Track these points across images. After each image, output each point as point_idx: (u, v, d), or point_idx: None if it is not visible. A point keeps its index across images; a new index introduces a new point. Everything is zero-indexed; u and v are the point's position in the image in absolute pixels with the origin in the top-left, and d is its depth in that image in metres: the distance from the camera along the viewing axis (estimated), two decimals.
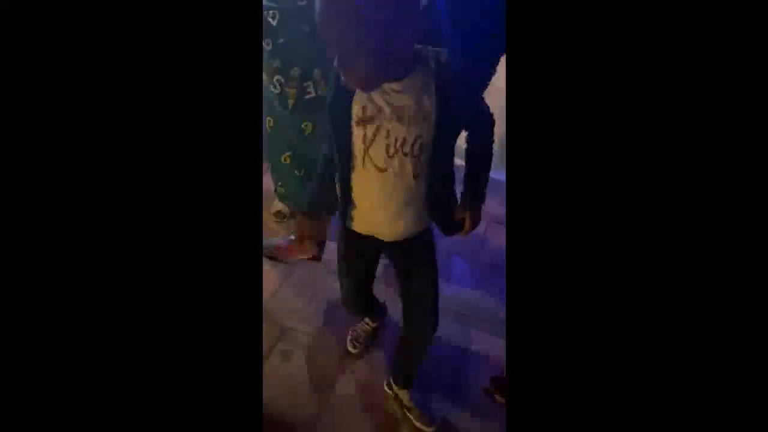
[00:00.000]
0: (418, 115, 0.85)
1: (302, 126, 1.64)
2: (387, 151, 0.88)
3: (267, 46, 1.42)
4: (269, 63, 1.45)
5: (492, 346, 1.51)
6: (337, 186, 1.00)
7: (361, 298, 1.24)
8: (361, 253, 1.12)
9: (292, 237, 1.72)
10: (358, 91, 0.85)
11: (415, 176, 0.92)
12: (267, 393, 1.32)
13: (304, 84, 1.51)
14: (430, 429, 1.29)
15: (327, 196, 1.05)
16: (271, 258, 1.70)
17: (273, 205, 1.89)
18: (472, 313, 1.61)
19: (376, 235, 1.02)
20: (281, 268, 1.70)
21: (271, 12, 1.38)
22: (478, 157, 1.02)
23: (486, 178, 1.05)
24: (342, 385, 1.40)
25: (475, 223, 1.07)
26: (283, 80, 1.49)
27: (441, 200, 1.00)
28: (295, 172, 1.77)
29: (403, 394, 1.32)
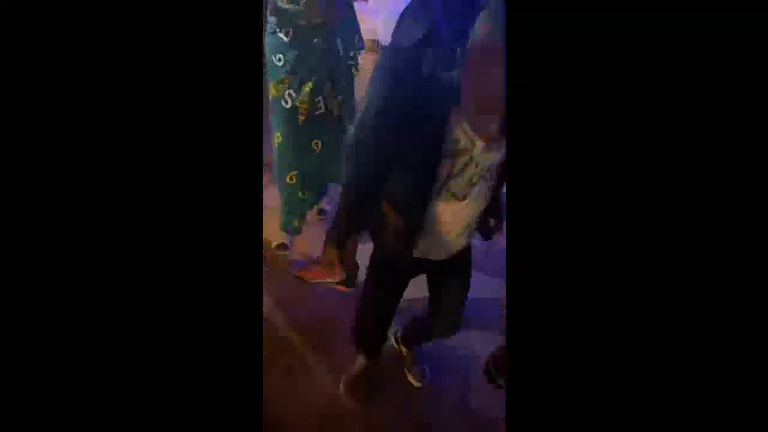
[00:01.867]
0: (502, 143, 0.84)
1: (312, 144, 1.65)
2: (470, 180, 0.86)
3: (279, 62, 1.45)
4: (281, 78, 1.48)
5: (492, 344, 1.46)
6: (392, 216, 0.94)
7: (383, 330, 1.21)
8: (407, 277, 1.09)
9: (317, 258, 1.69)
10: (455, 124, 0.80)
11: (487, 198, 0.92)
12: (266, 408, 1.29)
13: (315, 100, 1.54)
14: (418, 384, 1.39)
15: (357, 224, 1.00)
16: (299, 278, 1.69)
17: (277, 236, 1.86)
18: (473, 314, 1.57)
19: (428, 258, 0.99)
20: (270, 283, 1.69)
21: (284, 30, 1.42)
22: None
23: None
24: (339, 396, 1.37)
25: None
26: (294, 95, 1.51)
27: (493, 211, 1.00)
28: (299, 193, 1.75)
29: (404, 349, 1.44)
